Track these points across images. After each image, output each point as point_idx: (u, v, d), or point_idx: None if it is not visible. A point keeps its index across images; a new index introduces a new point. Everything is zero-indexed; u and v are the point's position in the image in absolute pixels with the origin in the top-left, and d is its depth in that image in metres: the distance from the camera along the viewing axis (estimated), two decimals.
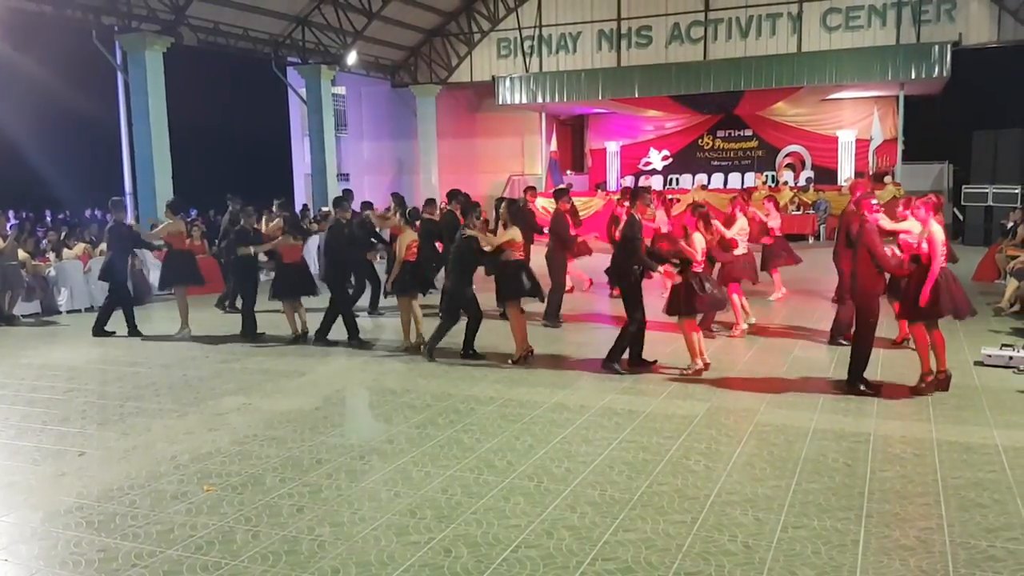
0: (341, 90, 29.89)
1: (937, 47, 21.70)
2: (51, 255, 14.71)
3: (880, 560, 4.43)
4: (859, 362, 7.71)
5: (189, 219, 20.65)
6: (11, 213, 21.11)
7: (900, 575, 4.27)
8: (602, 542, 4.71)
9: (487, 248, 9.30)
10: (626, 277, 8.78)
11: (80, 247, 15.23)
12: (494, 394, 7.96)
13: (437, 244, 12.43)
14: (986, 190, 21.24)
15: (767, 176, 25.77)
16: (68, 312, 13.88)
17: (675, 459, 6.05)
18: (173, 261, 11.71)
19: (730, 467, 5.87)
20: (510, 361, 9.24)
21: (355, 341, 10.47)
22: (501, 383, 8.40)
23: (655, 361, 8.90)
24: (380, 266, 13.40)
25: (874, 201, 7.75)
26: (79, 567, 4.55)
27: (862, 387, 7.66)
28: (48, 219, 23.87)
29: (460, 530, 4.90)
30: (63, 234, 16.23)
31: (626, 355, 8.85)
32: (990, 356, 8.69)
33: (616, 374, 8.61)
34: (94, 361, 10.07)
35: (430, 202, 13.25)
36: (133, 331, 11.64)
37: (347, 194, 13.34)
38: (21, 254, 13.50)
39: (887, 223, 8.10)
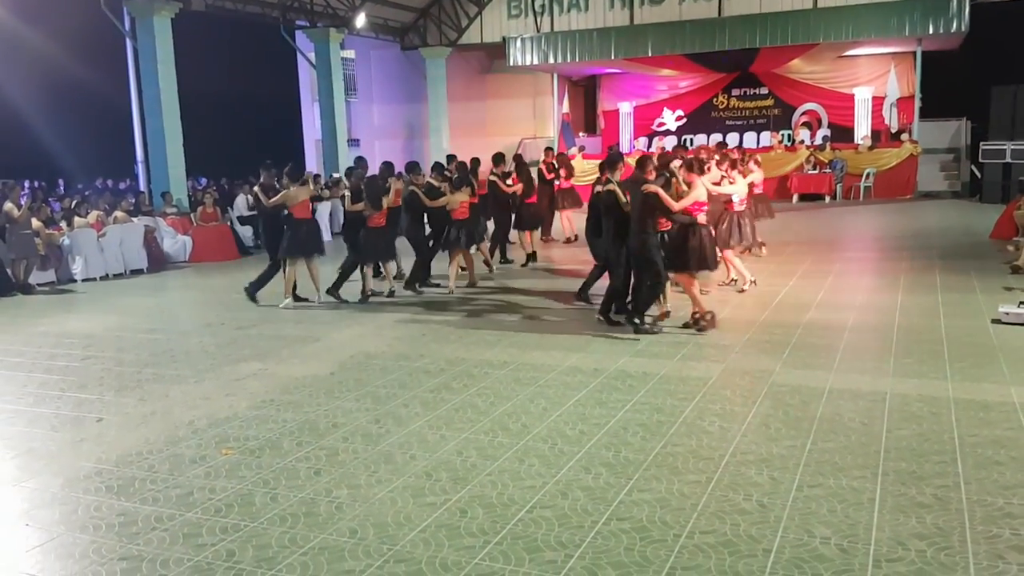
0: (350, 54, 29.60)
1: (955, 1, 21.25)
2: (63, 224, 14.75)
3: (896, 518, 4.42)
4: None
5: (201, 187, 20.75)
6: (25, 183, 21.13)
7: (916, 532, 4.26)
8: (616, 502, 4.72)
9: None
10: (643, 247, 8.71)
11: (94, 215, 15.25)
12: (508, 358, 7.96)
13: None
14: (1004, 147, 20.87)
15: (783, 135, 25.47)
16: (83, 280, 13.96)
17: (689, 420, 6.04)
18: (296, 230, 10.84)
19: (745, 427, 5.86)
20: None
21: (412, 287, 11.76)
22: (515, 347, 8.41)
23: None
24: None
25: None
26: (99, 531, 4.61)
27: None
28: (61, 189, 23.91)
29: (475, 491, 4.93)
30: (74, 203, 16.25)
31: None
32: (1007, 314, 8.62)
33: (649, 333, 8.67)
34: (111, 328, 10.14)
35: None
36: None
37: (361, 161, 13.04)
38: (35, 223, 13.56)
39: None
